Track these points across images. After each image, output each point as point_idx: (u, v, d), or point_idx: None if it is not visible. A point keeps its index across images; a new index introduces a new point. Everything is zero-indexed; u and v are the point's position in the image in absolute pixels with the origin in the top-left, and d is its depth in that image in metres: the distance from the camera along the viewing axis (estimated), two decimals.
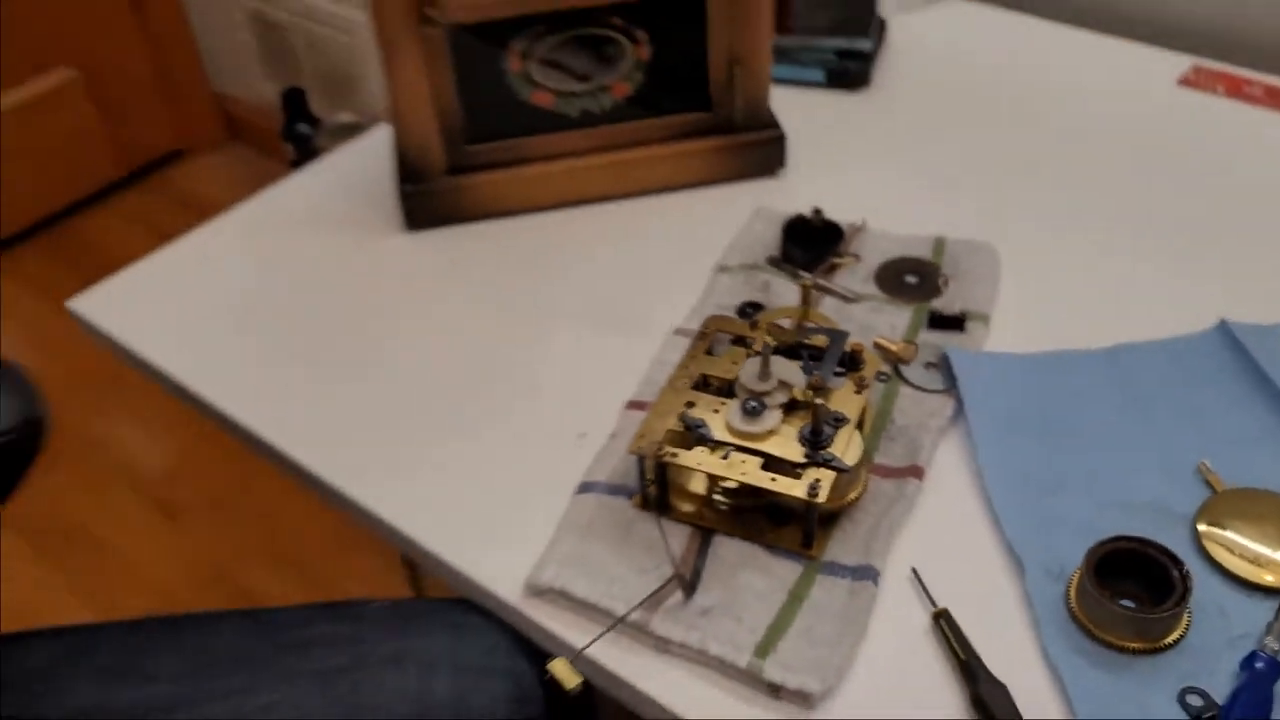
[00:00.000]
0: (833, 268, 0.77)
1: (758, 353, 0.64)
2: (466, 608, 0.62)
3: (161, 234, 0.91)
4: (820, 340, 0.65)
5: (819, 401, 0.61)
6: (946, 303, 0.74)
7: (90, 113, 2.07)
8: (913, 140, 0.90)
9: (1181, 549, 0.59)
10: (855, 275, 0.77)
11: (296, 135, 1.97)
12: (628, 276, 0.79)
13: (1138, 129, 0.90)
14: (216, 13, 2.14)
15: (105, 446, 1.67)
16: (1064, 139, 0.90)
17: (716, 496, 0.63)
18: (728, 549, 0.61)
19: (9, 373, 0.64)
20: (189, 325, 0.78)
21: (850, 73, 0.95)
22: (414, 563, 0.84)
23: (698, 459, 0.60)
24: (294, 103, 1.97)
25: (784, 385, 0.63)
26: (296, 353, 0.76)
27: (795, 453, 0.60)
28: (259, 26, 2.07)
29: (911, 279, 0.76)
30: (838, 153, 0.89)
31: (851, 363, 0.65)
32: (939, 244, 0.79)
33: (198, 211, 0.94)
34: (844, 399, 0.63)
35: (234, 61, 2.19)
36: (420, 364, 0.74)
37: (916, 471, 0.64)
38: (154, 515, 1.57)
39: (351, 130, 1.78)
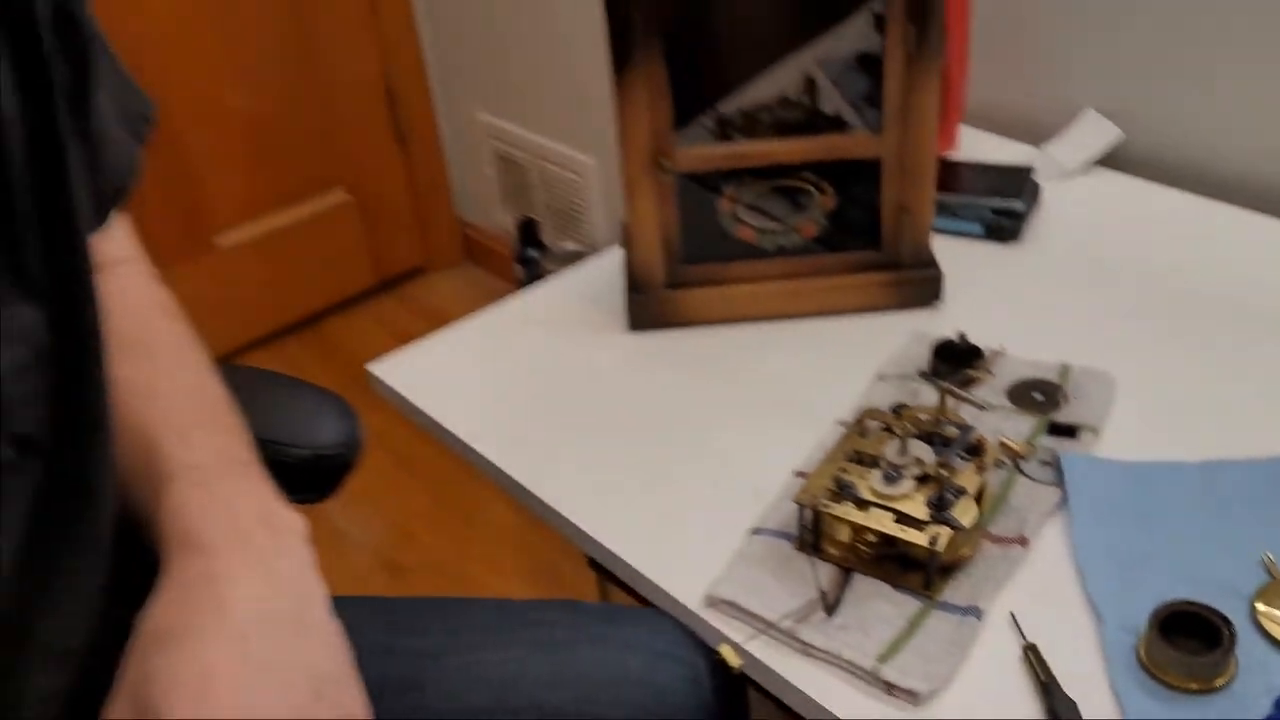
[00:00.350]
0: (972, 381, 0.94)
1: (899, 435, 0.81)
2: (657, 612, 0.80)
3: (401, 337, 1.11)
4: (952, 432, 0.82)
5: (944, 474, 0.78)
6: (1065, 416, 0.90)
7: (356, 229, 2.42)
8: (1053, 286, 1.07)
9: (1240, 621, 0.73)
10: (990, 389, 0.94)
11: (527, 260, 2.26)
12: (804, 378, 0.98)
13: (1255, 288, 1.05)
14: (467, 150, 2.47)
15: (342, 511, 1.94)
16: (1186, 291, 1.05)
17: (858, 545, 0.80)
18: (863, 585, 0.78)
19: (339, 401, 0.88)
20: (454, 391, 1.01)
21: (1004, 228, 1.13)
22: (606, 591, 1.03)
23: (845, 510, 0.78)
24: (527, 231, 2.27)
25: (918, 461, 0.80)
26: (540, 415, 0.97)
27: (922, 513, 0.77)
28: (502, 164, 2.39)
29: (1038, 396, 0.93)
30: (987, 291, 1.07)
31: (975, 451, 0.81)
32: (1064, 370, 0.95)
33: (434, 320, 1.15)
34: (966, 477, 0.79)
35: (478, 192, 2.52)
36: (634, 430, 0.94)
37: (1023, 541, 0.80)
38: (382, 573, 1.82)
39: (575, 257, 2.04)
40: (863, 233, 1.03)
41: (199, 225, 2.21)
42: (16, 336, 0.57)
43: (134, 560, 0.63)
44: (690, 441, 0.93)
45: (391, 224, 2.49)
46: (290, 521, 0.61)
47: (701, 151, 1.00)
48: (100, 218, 0.72)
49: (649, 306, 1.05)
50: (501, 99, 2.31)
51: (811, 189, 1.02)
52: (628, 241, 1.04)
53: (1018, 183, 1.16)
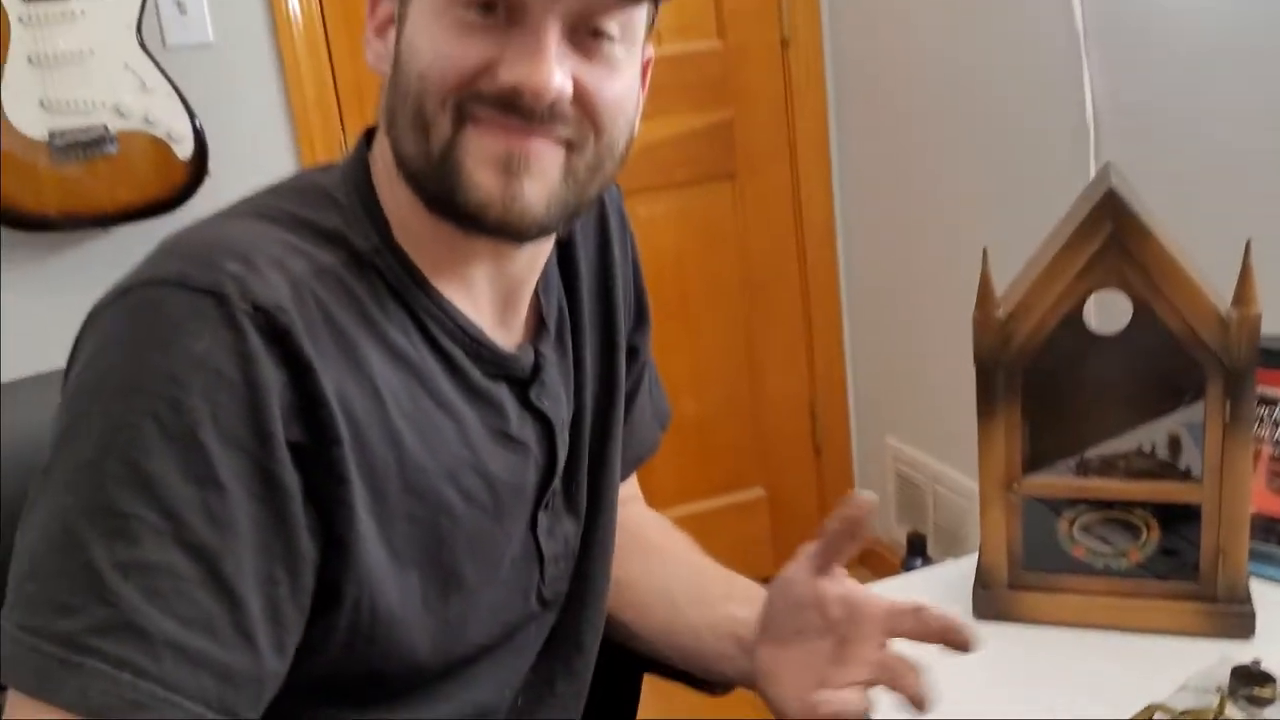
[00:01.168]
0: (1261, 702, 1.10)
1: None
2: None
3: None
4: None
5: None
6: None
7: (766, 523, 2.79)
8: None
9: None
10: (1276, 709, 1.09)
11: (911, 569, 2.51)
12: (1114, 680, 1.17)
13: None
14: (873, 467, 2.80)
15: None
16: None
17: None
18: None
19: None
20: None
21: None
22: None
23: None
24: (915, 545, 2.52)
25: None
26: None
27: None
28: (901, 482, 2.68)
29: None
30: None
31: None
32: None
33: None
34: None
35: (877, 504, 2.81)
36: (969, 692, 1.18)
37: None
38: None
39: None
40: (1183, 565, 1.23)
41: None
42: (560, 538, 0.95)
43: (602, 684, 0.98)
44: (1009, 703, 1.15)
45: (797, 522, 2.84)
46: None
47: (1046, 482, 1.26)
48: (625, 472, 1.12)
49: (991, 601, 1.29)
50: (909, 428, 2.64)
51: (1140, 523, 1.24)
52: (981, 547, 1.30)
53: None
